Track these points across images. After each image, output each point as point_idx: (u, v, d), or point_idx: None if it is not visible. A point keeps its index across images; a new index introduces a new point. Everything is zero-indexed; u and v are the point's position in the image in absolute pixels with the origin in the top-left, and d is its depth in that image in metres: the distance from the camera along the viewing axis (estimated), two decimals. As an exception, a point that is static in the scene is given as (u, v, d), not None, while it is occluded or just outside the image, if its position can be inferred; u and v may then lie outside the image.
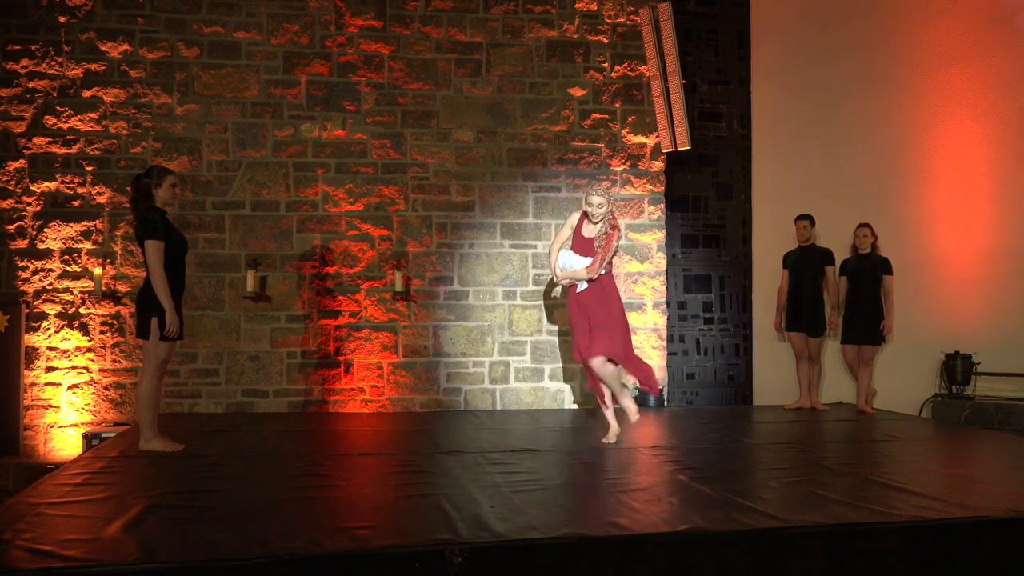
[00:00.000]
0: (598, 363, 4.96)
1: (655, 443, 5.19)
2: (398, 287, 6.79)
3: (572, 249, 5.13)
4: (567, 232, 5.18)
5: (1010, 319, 6.81)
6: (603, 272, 5.05)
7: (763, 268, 7.56)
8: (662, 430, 5.81)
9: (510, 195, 7.11)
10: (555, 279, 5.15)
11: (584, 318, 5.08)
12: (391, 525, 3.18)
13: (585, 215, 5.10)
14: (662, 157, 7.32)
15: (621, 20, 7.32)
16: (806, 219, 6.84)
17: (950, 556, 3.21)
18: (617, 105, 7.30)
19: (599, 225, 5.05)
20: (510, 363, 7.05)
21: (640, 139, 7.32)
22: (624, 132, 7.30)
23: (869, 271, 6.66)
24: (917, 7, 7.33)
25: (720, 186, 7.73)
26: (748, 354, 7.69)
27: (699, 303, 7.67)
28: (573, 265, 5.08)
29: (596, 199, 4.99)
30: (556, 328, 7.13)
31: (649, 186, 7.32)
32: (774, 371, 7.50)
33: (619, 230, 5.08)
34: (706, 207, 7.71)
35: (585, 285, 5.06)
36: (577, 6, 7.27)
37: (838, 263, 6.81)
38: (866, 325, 6.65)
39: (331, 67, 6.92)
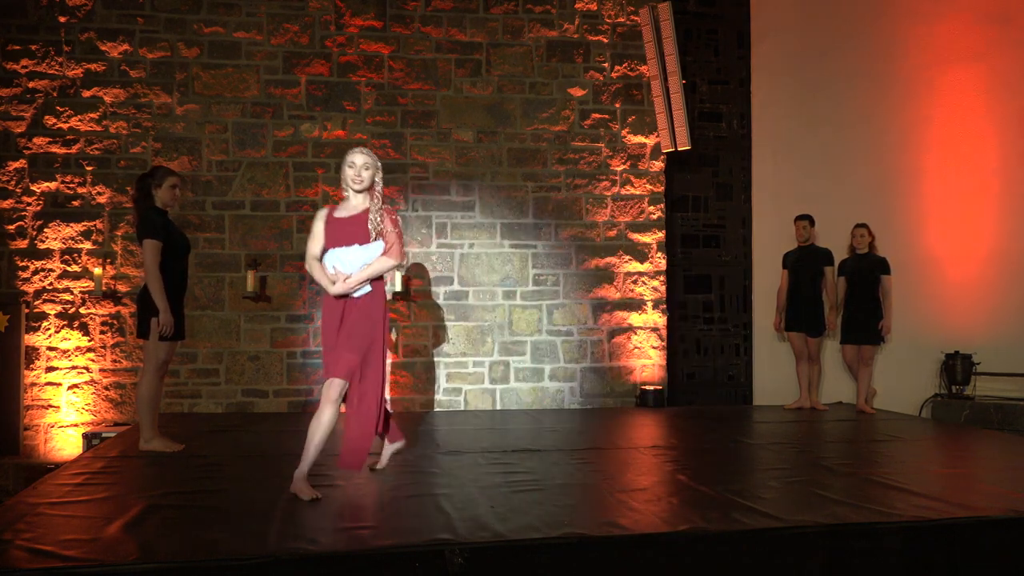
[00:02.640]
0: (338, 386, 3.77)
1: (655, 443, 5.19)
2: (398, 287, 6.78)
3: (330, 245, 3.86)
4: (320, 230, 3.90)
5: (1010, 319, 6.81)
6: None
7: (763, 268, 7.56)
8: (662, 430, 5.81)
9: (510, 195, 7.11)
10: (337, 290, 3.78)
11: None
12: (391, 525, 3.18)
13: (333, 206, 4.04)
14: (662, 157, 7.32)
15: (621, 20, 7.32)
16: (805, 219, 6.84)
17: (950, 556, 3.21)
18: (617, 105, 7.30)
19: (362, 197, 3.93)
20: (510, 363, 7.04)
21: (640, 139, 7.32)
22: (624, 132, 7.30)
23: (867, 271, 6.66)
24: (917, 7, 7.33)
25: (720, 186, 7.73)
26: (748, 354, 7.69)
27: (699, 303, 7.67)
28: (356, 260, 3.81)
29: (360, 158, 3.89)
30: (556, 328, 7.13)
31: (649, 186, 7.32)
32: (774, 371, 7.50)
33: (393, 211, 3.98)
34: (706, 207, 7.71)
35: (368, 288, 3.85)
36: (577, 6, 7.26)
37: (837, 263, 6.81)
38: (865, 325, 6.65)
39: (331, 67, 6.91)
